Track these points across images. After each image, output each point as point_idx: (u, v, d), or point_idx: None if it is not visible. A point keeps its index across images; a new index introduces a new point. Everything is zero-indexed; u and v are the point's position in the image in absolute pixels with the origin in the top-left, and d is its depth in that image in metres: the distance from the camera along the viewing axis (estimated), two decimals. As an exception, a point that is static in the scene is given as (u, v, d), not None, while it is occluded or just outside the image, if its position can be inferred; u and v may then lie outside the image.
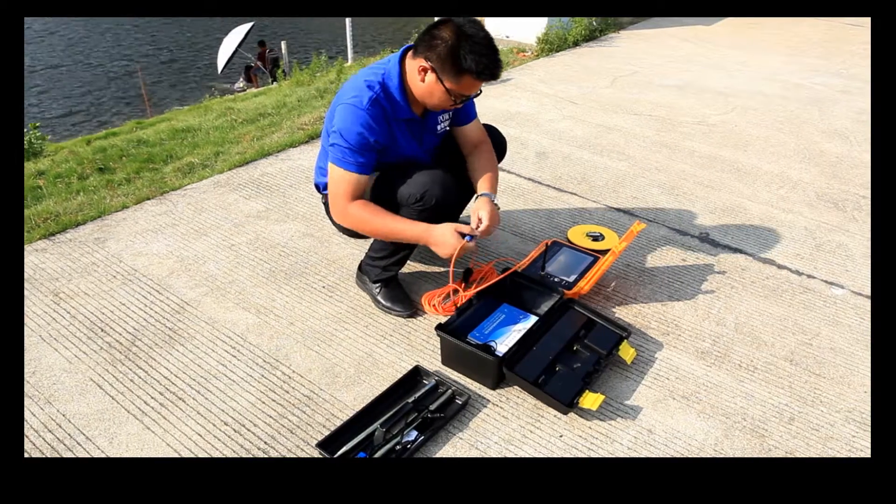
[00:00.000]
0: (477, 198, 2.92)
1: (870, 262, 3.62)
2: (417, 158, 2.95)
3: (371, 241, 3.09)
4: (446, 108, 2.76)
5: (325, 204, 3.12)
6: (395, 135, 2.80)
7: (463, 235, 2.72)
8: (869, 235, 3.88)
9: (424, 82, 2.66)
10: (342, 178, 2.73)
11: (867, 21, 9.42)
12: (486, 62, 2.57)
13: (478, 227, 2.78)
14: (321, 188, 3.13)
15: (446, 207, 2.83)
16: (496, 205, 2.88)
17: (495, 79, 2.67)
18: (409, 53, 2.73)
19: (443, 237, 2.72)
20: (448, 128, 3.06)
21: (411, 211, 2.80)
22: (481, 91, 2.76)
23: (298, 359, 2.79)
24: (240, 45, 18.59)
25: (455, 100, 2.68)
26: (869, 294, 3.36)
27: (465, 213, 3.33)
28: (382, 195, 2.81)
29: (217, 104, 6.91)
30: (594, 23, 8.33)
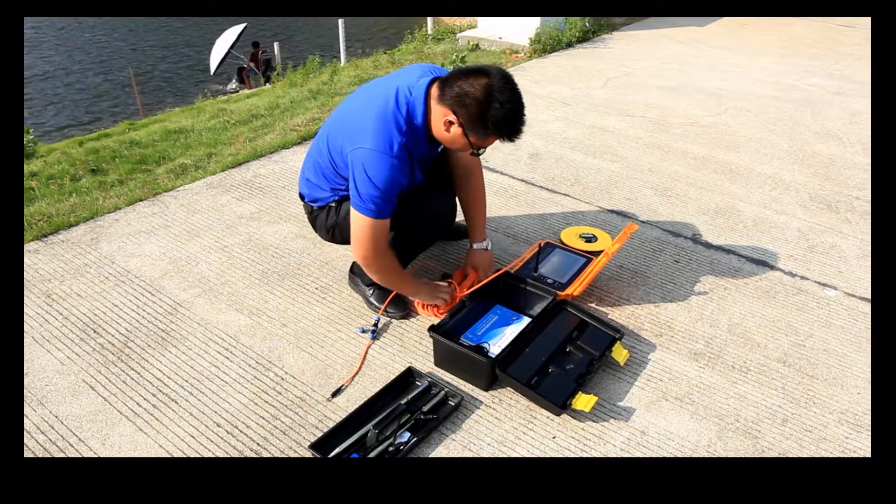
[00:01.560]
0: (471, 248, 3.12)
1: (863, 263, 3.63)
2: (418, 180, 2.93)
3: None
4: (467, 154, 2.82)
5: (311, 215, 3.10)
6: (414, 170, 2.75)
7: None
8: (861, 237, 3.89)
9: (450, 132, 2.61)
10: (378, 228, 2.67)
11: (860, 22, 9.43)
12: (512, 126, 2.56)
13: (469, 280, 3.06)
14: (307, 199, 3.08)
15: (450, 222, 2.89)
16: (489, 251, 3.15)
17: (518, 138, 2.63)
18: (435, 94, 2.62)
19: (444, 296, 3.02)
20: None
21: (421, 227, 2.91)
22: None
23: (291, 360, 2.79)
24: (232, 47, 18.57)
25: (475, 152, 2.71)
26: (862, 295, 3.36)
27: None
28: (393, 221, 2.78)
29: (210, 105, 6.89)
30: (587, 24, 8.32)
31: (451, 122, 2.57)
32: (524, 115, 2.59)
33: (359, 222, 2.67)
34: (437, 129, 2.64)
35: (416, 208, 2.79)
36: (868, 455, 2.46)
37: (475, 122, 2.53)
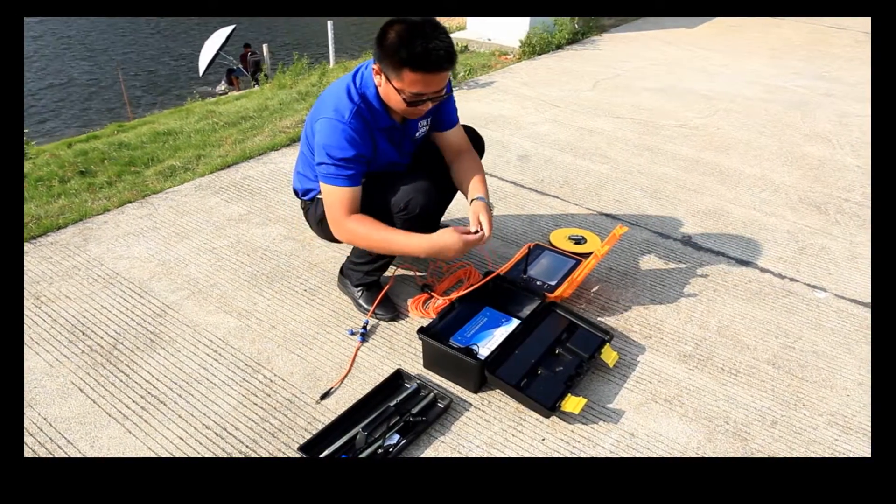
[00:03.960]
0: (472, 201, 2.89)
1: (852, 265, 3.64)
2: (396, 165, 2.93)
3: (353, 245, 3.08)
4: (409, 113, 2.69)
5: (304, 209, 3.11)
6: (377, 144, 2.76)
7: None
8: (851, 239, 3.90)
9: (381, 86, 2.62)
10: (335, 195, 2.69)
11: (849, 24, 9.48)
12: (422, 50, 2.43)
13: (478, 231, 2.74)
14: (299, 193, 3.11)
15: (429, 215, 2.82)
16: (491, 207, 2.86)
17: (439, 68, 2.50)
18: None
19: (448, 243, 2.65)
20: (425, 133, 3.01)
21: (395, 220, 2.78)
22: (446, 92, 2.66)
23: (280, 362, 2.79)
24: (221, 48, 18.57)
25: (408, 100, 2.58)
26: (851, 297, 3.37)
27: (447, 217, 3.33)
28: (364, 206, 2.77)
29: (198, 107, 6.88)
30: (576, 25, 8.33)
31: (378, 74, 2.59)
32: (440, 33, 2.48)
33: (324, 193, 2.74)
34: (378, 89, 2.66)
35: (394, 194, 2.76)
36: (855, 456, 2.46)
37: (387, 60, 2.50)
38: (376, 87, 2.66)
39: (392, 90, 2.56)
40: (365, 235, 2.72)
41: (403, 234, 2.71)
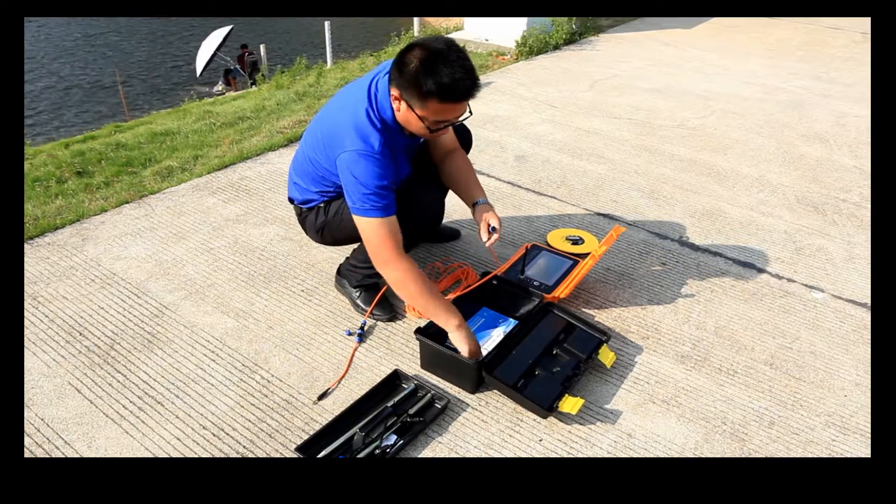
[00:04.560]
0: (476, 205, 2.89)
1: (849, 265, 3.65)
2: (406, 173, 2.92)
3: (352, 247, 3.08)
4: (427, 136, 2.65)
5: (302, 217, 3.08)
6: (399, 164, 2.72)
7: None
8: (848, 239, 3.91)
9: (400, 111, 2.56)
10: (382, 228, 2.60)
11: (846, 24, 9.48)
12: (449, 81, 2.38)
13: (490, 237, 2.76)
14: (296, 202, 3.07)
15: (436, 221, 2.81)
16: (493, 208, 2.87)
17: (467, 98, 2.47)
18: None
19: (469, 339, 2.62)
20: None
21: (407, 223, 2.73)
22: (469, 114, 2.61)
23: (277, 363, 2.79)
24: (218, 49, 18.56)
25: (430, 128, 2.54)
26: (849, 298, 3.37)
27: (447, 220, 3.33)
28: None
29: (196, 107, 6.87)
30: (574, 26, 8.33)
31: (396, 99, 2.53)
32: (467, 63, 2.44)
33: (364, 227, 2.63)
34: (396, 114, 2.60)
35: (400, 204, 2.72)
36: (853, 457, 2.47)
37: (411, 90, 2.44)
38: (393, 110, 2.59)
39: (413, 117, 2.51)
40: (410, 285, 2.64)
41: (440, 304, 2.66)
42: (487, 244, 2.80)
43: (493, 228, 2.77)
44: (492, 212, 2.81)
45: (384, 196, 2.57)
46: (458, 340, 2.62)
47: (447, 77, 2.37)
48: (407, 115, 2.53)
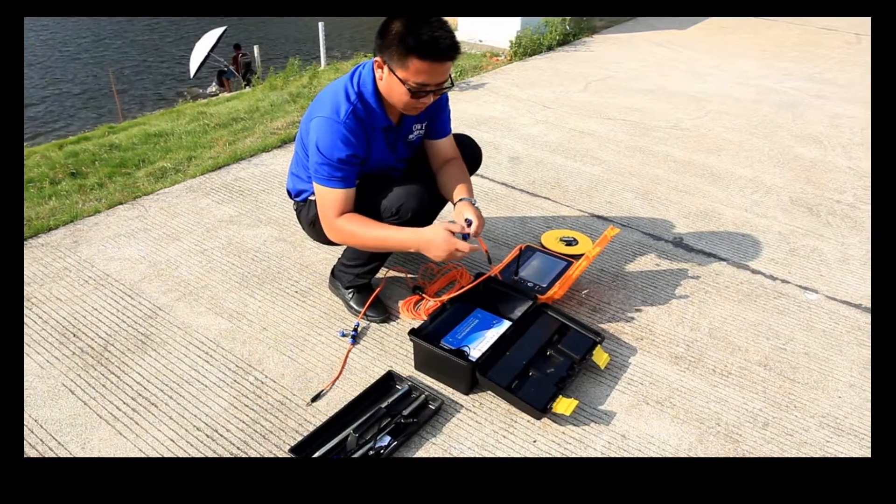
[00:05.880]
0: (456, 203, 2.88)
1: (843, 267, 3.65)
2: (390, 167, 2.93)
3: (344, 247, 3.08)
4: (409, 107, 2.65)
5: (297, 211, 3.11)
6: (371, 145, 2.75)
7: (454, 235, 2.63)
8: (842, 240, 3.91)
9: (382, 80, 2.60)
10: (328, 196, 2.68)
11: (840, 25, 9.50)
12: (429, 38, 2.44)
13: (469, 225, 2.73)
14: (292, 194, 3.10)
15: (420, 220, 2.80)
16: (477, 207, 2.84)
17: (446, 56, 2.50)
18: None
19: (435, 239, 2.61)
20: (420, 137, 2.99)
21: (391, 223, 2.76)
22: (449, 84, 2.63)
23: (271, 364, 2.78)
24: (212, 50, 18.52)
25: (412, 90, 2.54)
26: (842, 299, 3.38)
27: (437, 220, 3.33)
28: (357, 209, 2.75)
29: (189, 108, 6.86)
30: (567, 27, 8.33)
31: (379, 66, 2.58)
32: (447, 27, 2.51)
33: (317, 192, 2.74)
34: (379, 83, 2.65)
35: (386, 198, 2.75)
36: (847, 457, 2.47)
37: (393, 50, 2.48)
38: (375, 85, 2.65)
39: (395, 81, 2.55)
40: (353, 232, 2.71)
41: (393, 229, 2.70)
42: (471, 233, 2.76)
43: (469, 221, 2.75)
44: (471, 207, 2.79)
45: (340, 168, 2.64)
46: (433, 247, 2.63)
47: (427, 35, 2.44)
48: (389, 81, 2.58)
